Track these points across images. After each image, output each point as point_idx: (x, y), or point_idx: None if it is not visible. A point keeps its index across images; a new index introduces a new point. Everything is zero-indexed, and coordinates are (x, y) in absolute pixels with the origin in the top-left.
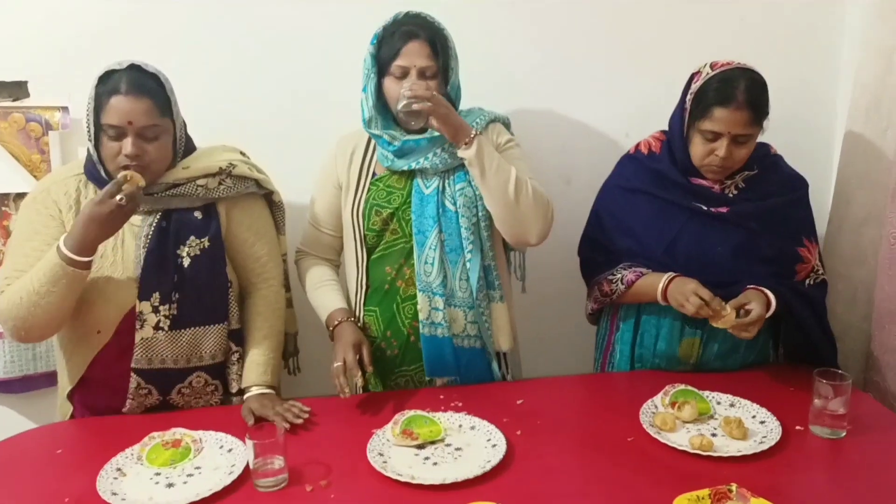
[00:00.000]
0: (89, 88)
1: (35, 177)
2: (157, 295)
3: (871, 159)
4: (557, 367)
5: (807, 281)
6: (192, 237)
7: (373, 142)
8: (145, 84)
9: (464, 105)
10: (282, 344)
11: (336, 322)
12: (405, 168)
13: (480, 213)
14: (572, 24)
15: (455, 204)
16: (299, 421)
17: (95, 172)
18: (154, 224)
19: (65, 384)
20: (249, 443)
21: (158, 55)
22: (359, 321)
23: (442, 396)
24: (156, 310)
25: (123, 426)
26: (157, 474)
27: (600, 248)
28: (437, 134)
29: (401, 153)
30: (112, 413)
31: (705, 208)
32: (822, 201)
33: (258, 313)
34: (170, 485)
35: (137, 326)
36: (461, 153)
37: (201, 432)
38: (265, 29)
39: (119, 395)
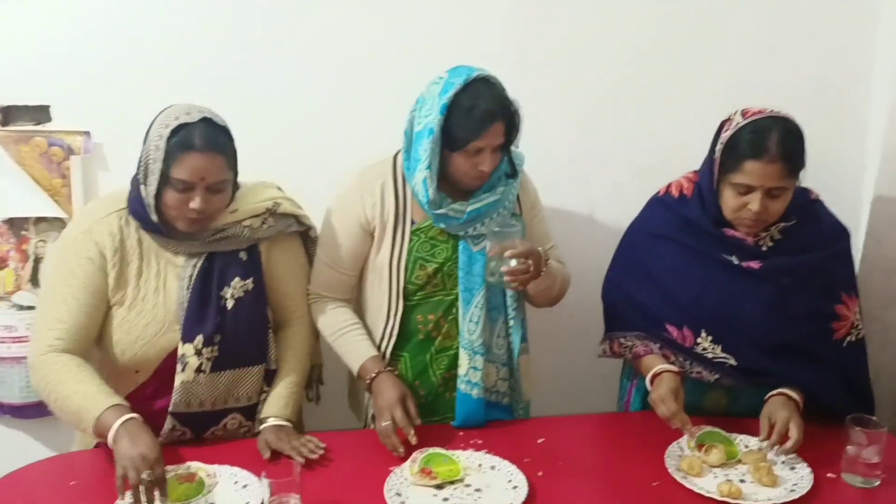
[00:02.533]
0: (154, 137)
1: (56, 201)
2: (200, 338)
3: None
4: (576, 404)
5: (847, 338)
6: (237, 278)
7: (401, 180)
8: (218, 140)
9: None
10: (305, 380)
11: (373, 374)
12: (461, 234)
13: None
14: (597, 58)
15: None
16: (314, 456)
17: (142, 213)
18: (198, 265)
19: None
20: (265, 480)
21: (180, 81)
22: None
23: (461, 433)
24: (199, 353)
25: None
26: None
27: (624, 296)
28: (496, 196)
29: (465, 222)
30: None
31: (736, 262)
32: (853, 242)
33: (289, 348)
34: None
35: (179, 369)
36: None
37: (216, 466)
38: (292, 54)
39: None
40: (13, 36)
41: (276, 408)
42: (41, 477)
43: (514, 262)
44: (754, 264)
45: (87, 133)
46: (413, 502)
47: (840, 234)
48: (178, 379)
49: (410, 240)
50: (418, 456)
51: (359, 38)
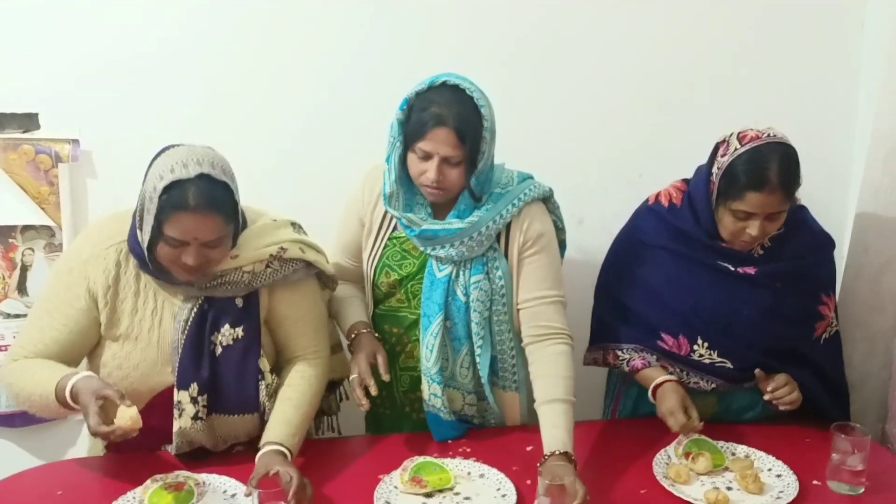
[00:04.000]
0: (149, 186)
1: (44, 209)
2: (195, 386)
3: (889, 207)
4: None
5: (823, 336)
6: (227, 325)
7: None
8: (215, 198)
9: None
10: (311, 418)
11: (353, 334)
12: (421, 249)
13: (493, 308)
14: (586, 64)
15: (467, 295)
16: None
17: (140, 253)
18: (195, 310)
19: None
20: (255, 492)
21: (170, 89)
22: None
23: (450, 441)
24: (194, 401)
25: (126, 466)
26: None
27: (617, 305)
28: (462, 225)
29: (419, 237)
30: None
31: (732, 268)
32: (838, 249)
33: (291, 384)
34: None
35: (176, 415)
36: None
37: (205, 475)
38: (283, 55)
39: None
40: (1, 44)
41: (282, 435)
42: (27, 486)
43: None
44: (750, 270)
45: (75, 141)
46: None
47: (825, 241)
48: (176, 425)
49: (385, 245)
50: (409, 465)
51: (355, 39)
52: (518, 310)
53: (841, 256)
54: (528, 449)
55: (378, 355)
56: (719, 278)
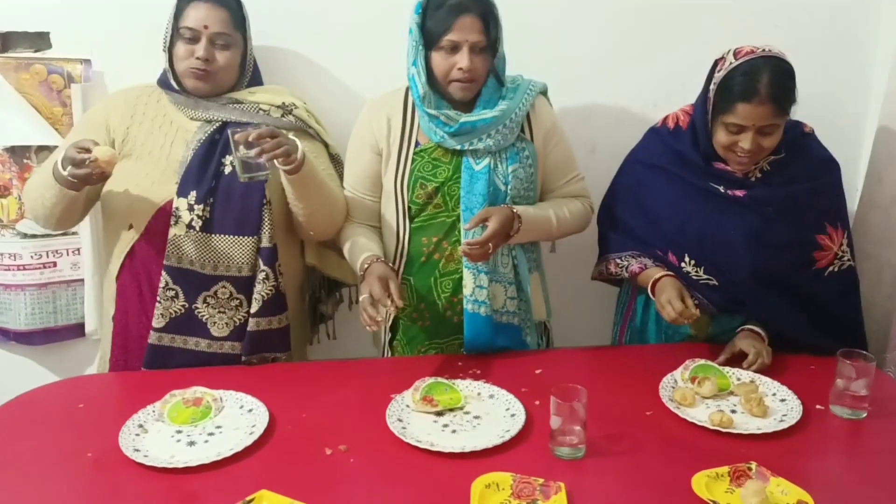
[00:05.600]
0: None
1: (57, 130)
2: (194, 194)
3: None
4: (581, 336)
5: (829, 269)
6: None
7: (411, 106)
8: None
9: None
10: (328, 190)
11: (366, 265)
12: (458, 147)
13: (531, 196)
14: None
15: (507, 185)
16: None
17: (166, 80)
18: (208, 132)
19: (107, 305)
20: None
21: None
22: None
23: (460, 364)
24: (191, 208)
25: (143, 382)
26: (179, 432)
27: (616, 221)
28: (495, 113)
29: (457, 133)
30: (145, 331)
31: (722, 190)
32: (852, 181)
33: None
34: (191, 443)
35: (172, 222)
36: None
37: (221, 392)
38: None
39: (151, 304)
40: None
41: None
42: (48, 399)
43: None
44: (739, 193)
45: (87, 61)
46: (414, 428)
47: (830, 167)
48: (171, 232)
49: (413, 160)
50: (420, 384)
51: None
52: (550, 192)
53: (856, 188)
54: (537, 372)
55: (391, 282)
56: (708, 200)
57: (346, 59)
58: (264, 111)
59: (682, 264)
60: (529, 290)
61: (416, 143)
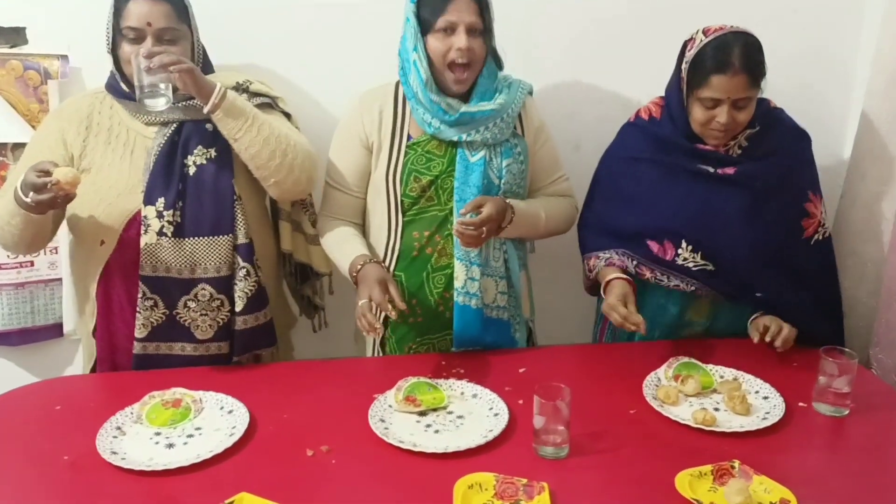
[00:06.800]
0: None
1: (33, 126)
2: (161, 200)
3: (888, 136)
4: (565, 336)
5: (815, 237)
6: (200, 146)
7: (401, 100)
8: None
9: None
10: (269, 126)
11: (359, 266)
12: (455, 138)
13: (521, 193)
14: None
15: (500, 178)
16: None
17: (116, 84)
18: (167, 135)
19: (87, 319)
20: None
21: None
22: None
23: (444, 363)
24: (160, 215)
25: (122, 383)
26: (157, 434)
27: (599, 222)
28: (495, 106)
29: (456, 123)
30: (129, 342)
31: (712, 170)
32: (835, 175)
33: None
34: (170, 445)
35: (142, 231)
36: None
37: (201, 392)
38: None
39: (132, 316)
40: None
41: None
42: (25, 401)
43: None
44: (729, 170)
45: (64, 57)
46: (397, 428)
47: (803, 136)
48: (143, 241)
49: (406, 153)
50: (403, 384)
51: None
52: (536, 192)
53: (837, 185)
54: (521, 370)
55: (390, 285)
56: (700, 181)
57: (332, 56)
58: None
59: (679, 251)
60: (520, 285)
61: (409, 137)
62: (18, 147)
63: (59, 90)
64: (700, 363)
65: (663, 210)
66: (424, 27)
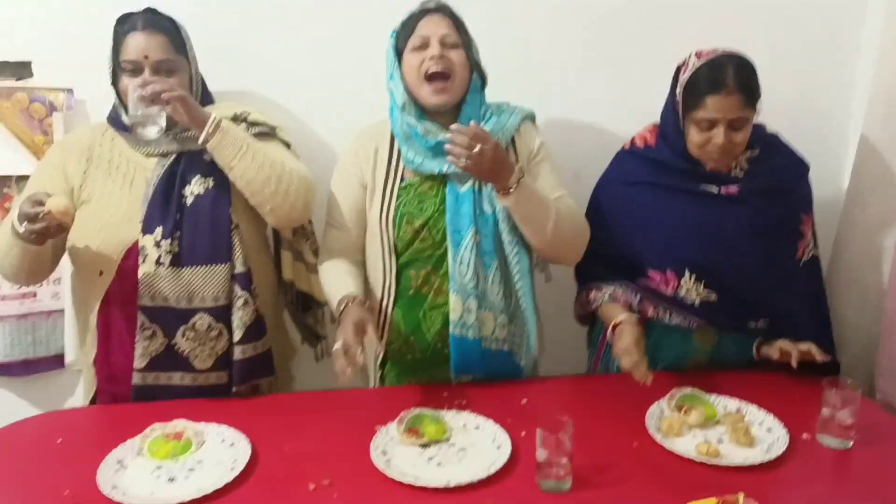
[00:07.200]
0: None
1: (37, 158)
2: (159, 230)
3: (887, 165)
4: (563, 366)
5: (802, 259)
6: (198, 176)
7: (397, 141)
8: (160, 23)
9: (491, 97)
10: (263, 153)
11: (342, 308)
12: (436, 171)
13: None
14: (586, 21)
15: (494, 206)
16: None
17: (116, 116)
18: (166, 166)
19: (88, 350)
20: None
21: None
22: (384, 320)
23: (446, 394)
24: (157, 244)
25: (123, 415)
26: (159, 468)
27: (600, 245)
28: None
29: (435, 152)
30: (129, 373)
31: (715, 190)
32: (834, 204)
33: None
34: (171, 479)
35: (140, 261)
36: None
37: (203, 424)
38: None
39: (131, 347)
40: None
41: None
42: (27, 434)
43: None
44: (733, 189)
45: (69, 90)
46: (399, 461)
47: (801, 161)
48: (141, 271)
49: (398, 196)
50: (405, 416)
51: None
52: None
53: (837, 212)
54: (523, 402)
55: (367, 325)
56: (702, 202)
57: (333, 86)
58: None
59: (682, 282)
60: (533, 326)
61: (402, 178)
62: (23, 179)
63: (64, 122)
64: (703, 393)
65: (666, 232)
66: (400, 51)
